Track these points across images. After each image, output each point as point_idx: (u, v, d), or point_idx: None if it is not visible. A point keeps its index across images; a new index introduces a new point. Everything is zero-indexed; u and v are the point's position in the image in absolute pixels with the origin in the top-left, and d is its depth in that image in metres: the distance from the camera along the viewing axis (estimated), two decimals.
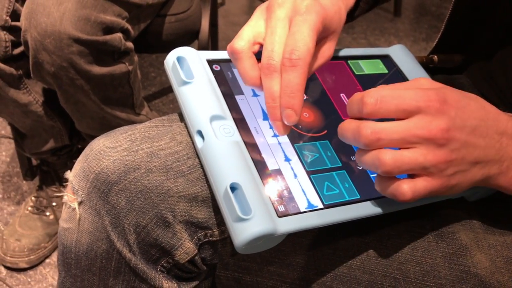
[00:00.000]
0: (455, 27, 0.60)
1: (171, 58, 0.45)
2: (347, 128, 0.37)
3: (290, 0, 0.41)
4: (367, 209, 0.42)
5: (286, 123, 0.39)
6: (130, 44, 0.84)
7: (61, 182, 1.16)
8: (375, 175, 0.44)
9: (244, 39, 0.41)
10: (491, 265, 0.46)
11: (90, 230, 0.42)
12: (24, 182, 1.29)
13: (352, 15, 0.55)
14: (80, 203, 0.42)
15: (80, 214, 0.42)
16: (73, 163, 1.12)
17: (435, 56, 0.61)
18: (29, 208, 1.15)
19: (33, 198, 1.16)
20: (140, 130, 0.44)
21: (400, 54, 0.57)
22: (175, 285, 0.44)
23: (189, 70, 0.44)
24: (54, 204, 1.15)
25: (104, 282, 0.44)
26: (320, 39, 0.43)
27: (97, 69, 0.79)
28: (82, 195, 0.42)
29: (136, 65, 0.89)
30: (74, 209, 0.42)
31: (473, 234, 0.47)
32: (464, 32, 0.61)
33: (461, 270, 0.46)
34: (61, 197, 1.09)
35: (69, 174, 0.44)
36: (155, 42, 1.00)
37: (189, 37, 1.07)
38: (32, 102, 0.89)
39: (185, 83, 0.43)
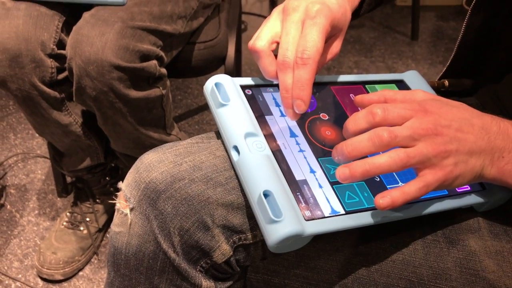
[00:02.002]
0: (465, 52, 0.66)
1: (209, 84, 0.51)
2: (362, 140, 0.43)
3: (303, 4, 0.49)
4: (383, 215, 0.47)
5: (296, 111, 0.48)
6: (163, 70, 0.91)
7: (95, 198, 1.22)
8: (392, 185, 0.49)
9: (263, 39, 0.49)
10: (498, 269, 0.50)
11: (139, 233, 0.48)
12: (59, 199, 1.37)
13: (357, 14, 0.62)
14: (131, 209, 0.48)
15: (131, 219, 0.48)
16: (106, 181, 1.20)
17: (446, 81, 0.66)
18: (64, 223, 1.21)
19: (68, 213, 1.23)
20: (183, 146, 0.50)
21: (414, 79, 0.62)
22: (212, 284, 0.50)
23: (226, 94, 0.51)
24: (87, 219, 1.21)
25: (150, 281, 0.50)
26: (328, 38, 0.51)
27: (134, 93, 0.86)
28: (134, 202, 0.48)
29: (168, 89, 0.96)
30: (126, 214, 0.48)
31: (482, 241, 0.52)
32: (474, 57, 0.67)
33: (471, 274, 0.50)
34: (94, 212, 1.15)
35: (121, 184, 0.50)
36: (185, 68, 1.08)
37: (216, 63, 1.14)
38: (72, 123, 0.96)
39: (222, 105, 0.50)
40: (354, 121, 0.45)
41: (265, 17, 2.11)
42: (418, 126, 0.44)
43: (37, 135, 1.55)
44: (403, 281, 0.51)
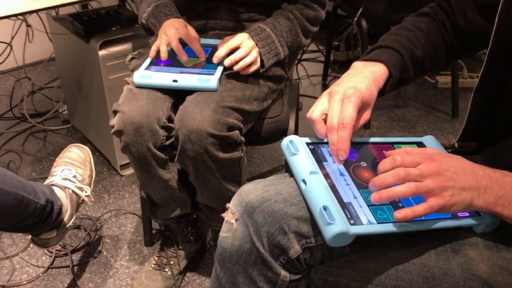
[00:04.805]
0: (471, 125, 0.89)
1: (285, 140, 0.78)
2: (387, 175, 0.67)
3: (342, 89, 0.75)
4: (403, 226, 0.70)
5: (340, 158, 0.73)
6: (242, 138, 1.20)
7: (178, 245, 1.48)
8: (410, 204, 0.72)
9: (317, 112, 0.76)
10: (489, 270, 0.71)
11: (240, 236, 0.73)
12: (145, 248, 1.63)
13: (382, 92, 0.86)
14: (236, 220, 0.74)
15: (236, 227, 0.74)
16: (188, 230, 1.46)
17: (456, 143, 0.90)
18: (153, 265, 1.47)
19: (155, 257, 1.49)
20: (269, 180, 0.77)
21: (429, 141, 0.87)
22: (288, 274, 0.74)
23: (296, 147, 0.77)
24: (171, 262, 1.47)
25: (245, 271, 0.74)
26: (360, 110, 0.76)
27: (221, 154, 1.14)
28: (237, 215, 0.74)
29: (244, 153, 1.24)
30: (232, 224, 0.74)
31: (478, 251, 0.73)
32: (478, 128, 0.90)
33: (469, 273, 0.71)
34: (177, 257, 1.40)
35: (229, 204, 0.76)
36: (256, 138, 1.36)
37: (280, 134, 1.42)
38: (171, 178, 1.25)
39: (294, 154, 0.76)
40: (383, 164, 0.70)
41: (316, 97, 2.47)
42: (425, 168, 0.67)
43: (126, 195, 1.86)
44: (420, 277, 0.72)
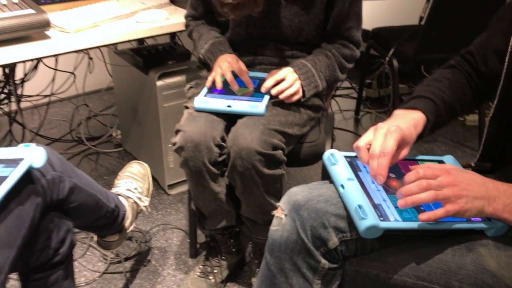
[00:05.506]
0: (488, 150, 1.04)
1: (327, 153, 0.95)
2: (412, 186, 0.82)
3: (386, 126, 0.91)
4: (424, 225, 0.85)
5: (378, 182, 0.86)
6: (284, 158, 1.37)
7: (221, 256, 1.64)
8: (431, 209, 0.87)
9: (363, 141, 0.91)
10: (497, 265, 0.85)
11: (288, 229, 0.89)
12: (190, 259, 1.80)
13: (421, 137, 1.02)
14: (285, 215, 0.90)
15: (285, 221, 0.90)
16: (231, 242, 1.62)
17: (472, 163, 1.05)
18: (198, 273, 1.63)
19: (200, 266, 1.65)
20: (312, 184, 0.93)
21: (449, 159, 1.02)
22: (327, 263, 0.89)
23: (336, 159, 0.94)
24: (215, 271, 1.62)
25: (291, 258, 0.90)
26: (400, 146, 0.91)
27: (266, 171, 1.31)
28: (286, 211, 0.90)
29: (285, 171, 1.40)
30: (281, 218, 0.90)
31: (488, 249, 0.87)
32: (494, 151, 1.04)
33: (481, 267, 0.85)
34: (220, 266, 1.58)
35: (279, 203, 0.93)
36: (295, 159, 1.52)
37: (316, 158, 1.58)
38: (220, 192, 1.42)
39: (333, 164, 0.93)
40: (408, 176, 0.85)
41: (349, 131, 2.62)
42: (443, 180, 0.82)
43: (173, 212, 2.04)
44: (439, 270, 0.86)
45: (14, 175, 0.90)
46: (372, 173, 0.87)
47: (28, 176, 0.96)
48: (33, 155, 0.95)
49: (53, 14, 1.65)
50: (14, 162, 0.92)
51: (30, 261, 1.05)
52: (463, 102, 1.05)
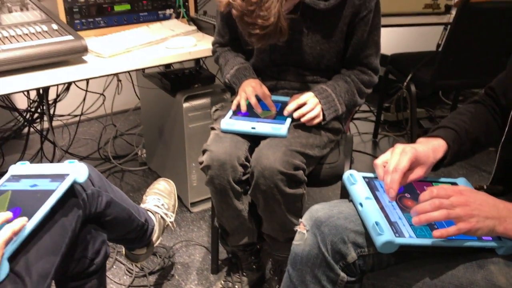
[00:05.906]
0: (500, 173, 1.10)
1: (347, 173, 1.02)
2: (425, 204, 0.89)
3: (403, 146, 0.97)
4: (437, 242, 0.90)
5: (389, 196, 0.93)
6: (305, 178, 1.44)
7: (242, 272, 1.70)
8: (443, 227, 0.93)
9: (380, 160, 0.99)
10: (506, 282, 0.90)
11: (310, 243, 0.96)
12: (211, 274, 1.86)
13: (443, 162, 1.07)
14: (307, 231, 0.97)
15: (307, 236, 0.97)
16: (252, 259, 1.69)
17: (485, 185, 1.10)
18: None
19: (222, 281, 1.71)
20: (333, 202, 1.00)
21: (461, 181, 1.08)
22: (345, 276, 0.95)
23: (355, 179, 1.01)
24: (236, 287, 1.68)
25: (312, 271, 0.96)
26: (414, 166, 0.98)
27: (288, 190, 1.38)
28: (308, 227, 0.97)
29: (306, 191, 1.47)
30: (304, 234, 0.97)
31: (498, 267, 0.92)
32: (506, 175, 1.10)
33: (491, 283, 0.90)
34: (241, 282, 1.64)
35: (301, 219, 0.99)
36: (315, 180, 1.59)
37: (335, 179, 1.64)
38: (243, 209, 1.49)
39: (352, 183, 1.00)
40: (423, 195, 0.92)
41: (367, 153, 2.67)
42: (455, 200, 0.88)
43: (195, 229, 2.11)
44: (451, 285, 0.92)
45: (60, 189, 0.99)
46: (385, 187, 0.95)
47: (72, 190, 1.04)
48: (77, 171, 1.04)
49: (89, 39, 1.76)
50: (60, 177, 1.01)
51: (68, 269, 1.13)
52: (487, 133, 1.12)
